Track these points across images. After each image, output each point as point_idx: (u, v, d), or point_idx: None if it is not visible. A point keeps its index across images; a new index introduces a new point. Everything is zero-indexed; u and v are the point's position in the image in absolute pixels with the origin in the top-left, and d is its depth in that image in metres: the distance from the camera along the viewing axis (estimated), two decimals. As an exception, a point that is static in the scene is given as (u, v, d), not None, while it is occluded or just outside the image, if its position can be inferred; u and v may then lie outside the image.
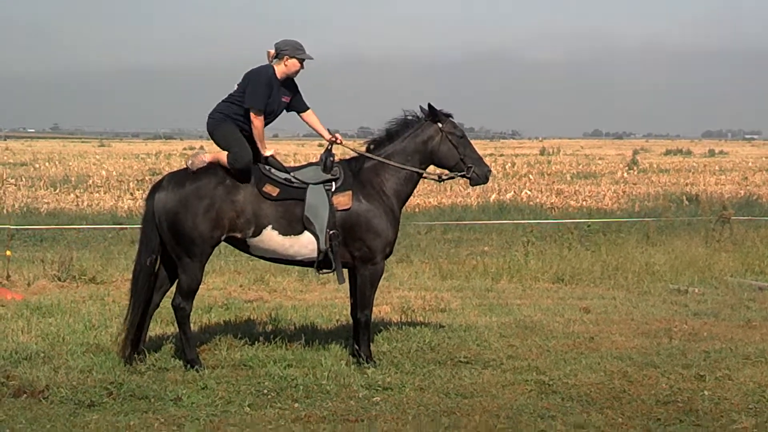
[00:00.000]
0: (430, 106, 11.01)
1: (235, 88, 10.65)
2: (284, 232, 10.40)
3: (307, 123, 11.16)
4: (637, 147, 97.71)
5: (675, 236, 22.18)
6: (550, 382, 9.75)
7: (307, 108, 11.04)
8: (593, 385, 9.68)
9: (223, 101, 10.70)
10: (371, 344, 10.85)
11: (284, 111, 10.88)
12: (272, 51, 10.69)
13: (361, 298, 10.73)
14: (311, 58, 10.78)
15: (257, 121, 10.51)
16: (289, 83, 10.80)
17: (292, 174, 10.58)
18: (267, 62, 10.73)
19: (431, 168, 11.17)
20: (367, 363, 10.43)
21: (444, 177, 11.46)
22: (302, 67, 10.76)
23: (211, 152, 10.70)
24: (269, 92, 10.50)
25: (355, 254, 10.59)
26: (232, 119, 10.56)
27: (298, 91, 10.92)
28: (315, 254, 10.49)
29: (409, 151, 10.95)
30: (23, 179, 42.91)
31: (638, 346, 11.47)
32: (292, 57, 10.65)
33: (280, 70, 10.65)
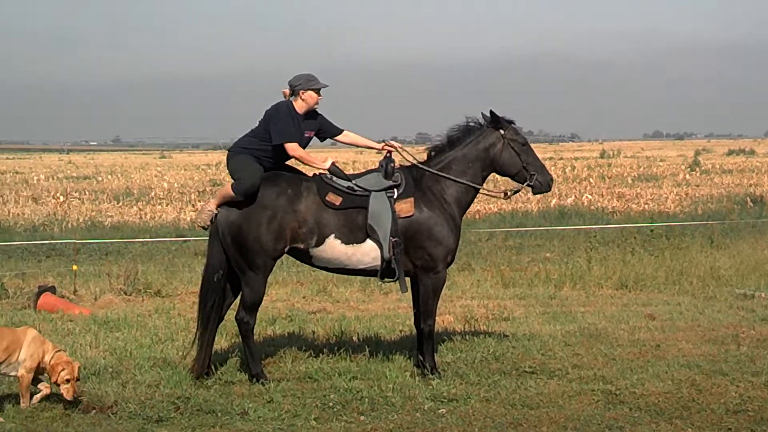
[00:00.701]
0: (492, 112, 10.96)
1: (257, 125, 10.67)
2: (346, 241, 10.39)
3: (349, 144, 11.16)
4: (698, 147, 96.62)
5: (740, 239, 21.93)
6: (617, 391, 9.65)
7: (341, 130, 11.03)
8: (661, 394, 9.57)
9: (245, 136, 10.69)
10: (435, 355, 10.83)
11: (312, 141, 10.85)
12: (287, 90, 10.70)
13: (424, 307, 10.71)
14: (326, 86, 10.75)
15: (298, 151, 10.49)
16: (311, 115, 10.78)
17: (354, 182, 10.59)
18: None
19: (490, 184, 11.09)
20: (432, 374, 10.41)
21: (509, 193, 11.44)
22: (320, 96, 10.72)
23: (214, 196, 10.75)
24: (294, 123, 10.50)
25: (417, 263, 10.56)
26: (251, 152, 10.53)
27: (325, 119, 10.92)
28: (377, 263, 10.46)
29: (470, 158, 10.90)
30: (87, 193, 43.48)
31: (706, 354, 11.33)
32: (307, 90, 10.62)
33: (299, 105, 10.63)
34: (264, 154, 10.50)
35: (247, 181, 10.29)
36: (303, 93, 10.61)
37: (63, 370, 8.95)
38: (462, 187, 10.85)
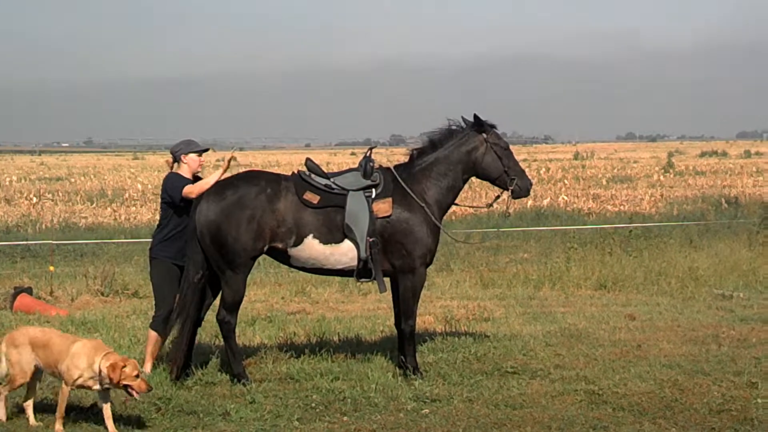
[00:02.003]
0: (475, 116, 10.94)
1: (160, 214, 10.77)
2: (325, 241, 10.34)
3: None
4: (671, 149, 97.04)
5: (717, 240, 21.99)
6: (600, 391, 9.64)
7: None
8: (644, 394, 9.57)
9: (155, 234, 10.79)
10: (417, 355, 10.79)
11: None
12: (169, 158, 10.84)
13: (404, 307, 10.67)
14: (206, 150, 10.93)
15: (194, 190, 10.44)
16: (197, 178, 10.84)
17: (332, 180, 10.55)
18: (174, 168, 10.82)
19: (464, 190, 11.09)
20: (414, 374, 10.37)
21: (491, 203, 11.51)
22: (201, 158, 10.83)
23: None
24: (183, 180, 10.55)
25: (395, 263, 10.51)
26: (165, 248, 10.57)
27: None
28: (355, 263, 10.43)
29: (452, 160, 10.87)
30: (60, 194, 43.18)
31: (687, 354, 11.35)
32: (188, 153, 10.77)
33: (184, 170, 10.74)
34: (177, 227, 10.54)
35: (163, 307, 10.49)
36: (184, 157, 10.77)
37: (125, 366, 8.53)
38: (442, 189, 10.82)
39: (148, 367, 10.56)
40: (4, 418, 8.85)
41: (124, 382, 8.46)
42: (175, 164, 10.82)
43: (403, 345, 10.73)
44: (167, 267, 10.46)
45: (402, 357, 10.69)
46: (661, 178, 49.07)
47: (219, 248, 10.24)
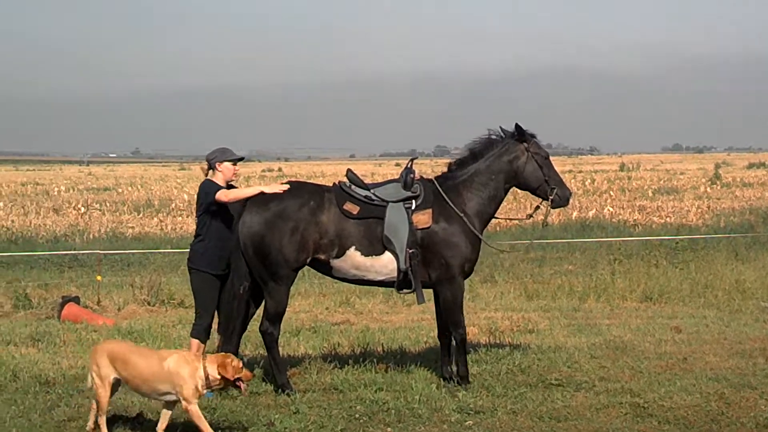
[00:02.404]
0: (517, 125, 10.94)
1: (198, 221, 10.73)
2: (366, 253, 10.38)
3: None
4: (718, 161, 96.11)
5: (765, 252, 21.79)
6: (645, 404, 9.59)
7: None
8: (690, 407, 9.50)
9: (193, 244, 10.71)
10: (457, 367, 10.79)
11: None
12: (204, 165, 10.81)
13: (450, 318, 10.67)
14: (241, 158, 10.91)
15: (229, 195, 10.45)
16: (231, 187, 10.84)
17: (372, 191, 10.59)
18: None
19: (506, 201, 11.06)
20: (462, 384, 10.36)
21: (531, 213, 11.49)
22: (236, 167, 10.77)
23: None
24: (218, 187, 10.51)
25: (433, 273, 10.53)
26: (207, 256, 10.51)
27: None
28: (395, 274, 10.45)
29: (493, 170, 10.88)
30: (107, 204, 43.55)
31: (733, 367, 11.24)
32: (222, 162, 10.68)
33: (218, 178, 10.69)
34: (219, 234, 10.49)
35: (204, 316, 10.46)
36: (219, 165, 10.69)
37: (230, 361, 8.58)
38: (484, 199, 10.82)
39: None
40: (90, 428, 8.76)
41: (236, 376, 8.53)
42: (210, 171, 10.85)
43: (446, 356, 10.77)
44: (207, 277, 10.52)
45: (447, 368, 10.71)
46: (708, 189, 48.57)
47: (262, 260, 10.30)
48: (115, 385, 8.76)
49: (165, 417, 8.68)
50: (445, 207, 10.64)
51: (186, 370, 8.49)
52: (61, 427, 9.01)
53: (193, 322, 10.69)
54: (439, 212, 10.59)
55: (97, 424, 8.69)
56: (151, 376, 8.53)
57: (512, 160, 10.93)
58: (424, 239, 10.46)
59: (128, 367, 8.60)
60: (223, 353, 8.89)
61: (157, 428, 8.64)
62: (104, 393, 8.62)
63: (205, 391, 8.62)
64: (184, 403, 8.49)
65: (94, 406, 8.75)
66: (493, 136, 11.06)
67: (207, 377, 8.51)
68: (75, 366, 11.50)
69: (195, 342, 10.57)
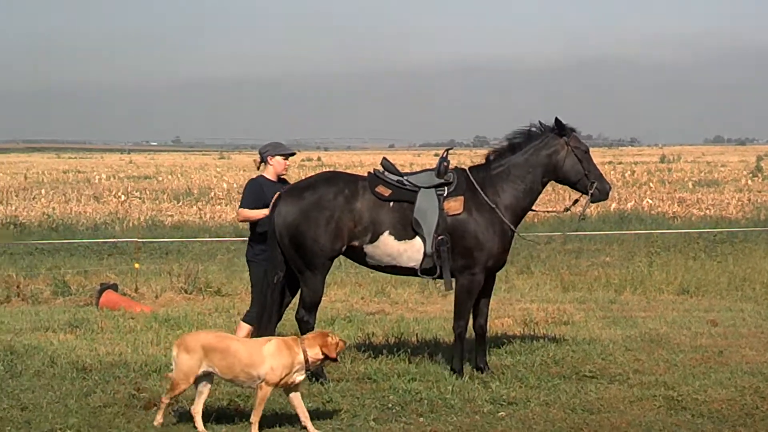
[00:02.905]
0: (557, 119, 10.90)
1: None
2: (399, 237, 10.45)
3: None
4: (760, 153, 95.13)
5: (805, 246, 21.56)
6: (679, 397, 9.54)
7: None
8: (724, 401, 9.45)
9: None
10: (490, 357, 10.87)
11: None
12: (257, 158, 11.13)
13: (457, 308, 10.70)
14: (293, 153, 11.25)
15: (243, 214, 10.97)
16: (283, 181, 11.15)
17: (405, 178, 10.65)
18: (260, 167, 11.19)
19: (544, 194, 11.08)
20: (456, 375, 10.39)
21: (568, 206, 11.49)
22: (287, 161, 11.09)
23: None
24: (254, 196, 10.87)
25: (457, 262, 10.54)
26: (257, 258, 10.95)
27: None
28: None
29: (532, 163, 10.84)
30: (147, 192, 43.89)
31: (770, 361, 11.16)
32: (274, 155, 11.02)
33: (269, 171, 11.03)
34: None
35: (257, 305, 10.80)
36: (271, 159, 11.02)
37: (331, 339, 8.65)
38: (519, 192, 10.80)
39: None
40: (159, 422, 8.65)
41: (337, 351, 8.64)
42: (262, 165, 11.12)
43: (479, 347, 10.81)
44: (263, 269, 10.67)
45: (477, 359, 10.75)
46: (749, 182, 48.13)
47: (298, 249, 10.37)
48: (200, 378, 8.62)
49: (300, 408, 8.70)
50: (478, 197, 10.64)
51: (286, 356, 8.51)
52: (97, 413, 9.09)
53: (248, 309, 11.10)
54: (471, 201, 10.59)
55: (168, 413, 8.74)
56: (252, 364, 8.51)
57: (551, 154, 10.88)
58: (455, 227, 10.48)
59: (228, 356, 8.53)
60: (320, 332, 8.93)
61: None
62: (185, 385, 8.56)
63: (300, 377, 8.63)
64: (261, 383, 8.48)
65: (165, 399, 8.67)
66: (533, 129, 11.02)
67: (306, 360, 8.56)
68: (112, 353, 11.62)
69: (245, 326, 10.81)
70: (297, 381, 8.61)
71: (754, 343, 12.22)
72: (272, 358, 8.49)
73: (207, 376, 8.65)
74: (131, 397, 9.58)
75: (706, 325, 13.47)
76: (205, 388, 8.72)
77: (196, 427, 8.61)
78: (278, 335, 9.77)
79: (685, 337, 12.61)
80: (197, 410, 8.67)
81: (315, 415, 8.95)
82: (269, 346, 8.58)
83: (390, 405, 9.37)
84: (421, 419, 8.99)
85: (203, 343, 8.58)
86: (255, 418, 8.50)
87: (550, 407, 9.33)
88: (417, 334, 12.72)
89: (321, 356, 8.60)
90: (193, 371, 8.54)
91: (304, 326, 10.49)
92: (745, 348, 11.89)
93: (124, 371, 10.62)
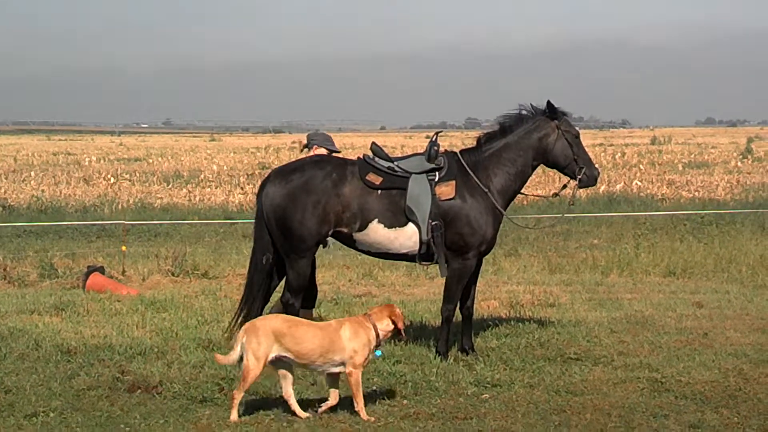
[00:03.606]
0: (548, 103, 10.88)
1: None
2: (389, 225, 10.41)
3: None
4: (751, 135, 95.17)
5: (791, 227, 21.61)
6: (663, 379, 9.59)
7: None
8: (707, 383, 9.49)
9: None
10: (476, 339, 10.86)
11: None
12: (303, 141, 11.33)
13: (447, 292, 10.70)
14: (338, 151, 11.50)
15: None
16: None
17: (396, 163, 10.62)
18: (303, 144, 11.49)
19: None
20: (441, 358, 10.40)
21: (557, 192, 11.51)
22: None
23: None
24: None
25: (450, 247, 10.53)
26: None
27: None
28: (418, 246, 10.48)
29: (522, 146, 10.82)
30: (137, 174, 43.76)
31: (754, 343, 11.21)
32: (320, 147, 11.33)
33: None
34: None
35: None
36: (315, 148, 11.32)
37: (396, 310, 8.76)
38: (510, 176, 10.79)
39: None
40: (234, 419, 8.43)
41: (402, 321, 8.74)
42: (306, 149, 11.40)
43: (467, 329, 10.82)
44: None
45: (462, 340, 10.77)
46: (739, 164, 48.17)
47: (284, 232, 10.37)
48: (272, 363, 8.49)
49: (334, 396, 8.65)
50: (470, 180, 10.62)
51: (363, 335, 8.54)
52: (80, 396, 9.10)
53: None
54: (463, 186, 10.58)
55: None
56: (330, 347, 8.46)
57: (542, 138, 10.86)
58: (447, 212, 10.46)
59: (304, 341, 8.43)
60: (385, 305, 8.97)
61: (320, 409, 8.59)
62: (257, 371, 8.39)
63: (375, 352, 8.67)
64: (349, 368, 8.47)
65: (238, 394, 8.45)
66: (524, 112, 10.99)
67: (377, 335, 8.59)
68: (97, 335, 11.60)
69: (308, 312, 10.97)
70: (341, 370, 8.59)
71: (738, 325, 12.26)
72: (353, 341, 8.51)
73: (281, 362, 8.49)
74: (115, 380, 9.59)
75: (691, 307, 13.51)
76: (287, 373, 8.57)
77: (293, 412, 8.52)
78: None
79: (671, 319, 12.64)
80: (288, 392, 8.57)
81: (299, 399, 8.96)
82: (346, 329, 8.56)
83: (374, 388, 9.38)
84: (405, 401, 9.01)
85: (274, 328, 8.44)
86: (360, 405, 8.50)
87: (534, 389, 9.37)
88: (403, 317, 12.70)
89: (391, 328, 8.64)
90: (264, 356, 8.37)
91: (291, 309, 10.47)
92: (729, 330, 11.93)
93: (108, 354, 10.62)
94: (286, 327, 8.48)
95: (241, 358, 8.42)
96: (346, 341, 8.49)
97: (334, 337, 8.49)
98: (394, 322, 8.63)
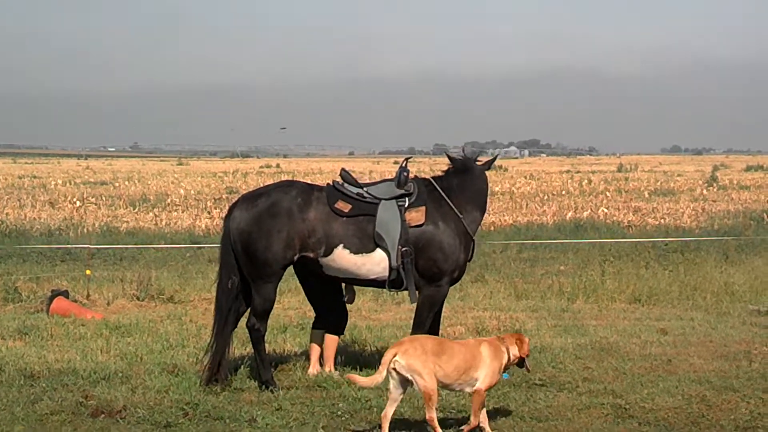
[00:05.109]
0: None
1: None
2: (356, 251, 10.40)
3: None
4: (716, 163, 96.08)
5: (755, 255, 21.80)
6: (627, 405, 9.64)
7: None
8: (671, 409, 9.55)
9: None
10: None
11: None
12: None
13: (417, 318, 10.69)
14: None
15: None
16: None
17: (365, 189, 10.62)
18: None
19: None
20: None
21: None
22: None
23: None
24: None
25: (423, 273, 10.54)
26: None
27: None
28: (387, 272, 10.47)
29: (483, 180, 11.08)
30: (103, 198, 43.57)
31: (717, 370, 11.28)
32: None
33: None
34: None
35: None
36: None
37: (524, 338, 8.96)
38: (480, 203, 10.87)
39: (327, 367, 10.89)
40: None
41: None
42: None
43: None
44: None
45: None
46: (705, 191, 48.57)
47: (250, 256, 10.36)
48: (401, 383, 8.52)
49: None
50: (443, 207, 10.66)
51: (501, 356, 8.69)
52: (44, 421, 9.05)
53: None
54: (436, 212, 10.60)
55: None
56: (473, 364, 8.61)
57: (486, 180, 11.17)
58: (419, 238, 10.47)
59: (453, 360, 8.55)
60: (518, 334, 9.10)
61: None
62: (434, 386, 8.43)
63: (503, 374, 8.94)
64: (479, 386, 8.59)
65: (432, 414, 8.45)
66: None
67: (508, 359, 8.76)
68: (61, 360, 11.54)
69: (332, 338, 11.03)
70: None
71: (702, 351, 12.34)
72: (491, 360, 8.65)
73: (405, 382, 8.52)
74: (79, 404, 9.53)
75: (656, 333, 13.58)
76: (399, 395, 8.63)
77: None
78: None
79: (635, 345, 12.70)
80: (388, 414, 8.58)
81: (263, 423, 8.94)
82: (485, 348, 8.71)
83: (339, 413, 9.39)
84: (370, 427, 8.99)
85: (430, 347, 8.54)
86: (485, 423, 8.67)
87: (498, 415, 9.37)
88: (369, 342, 12.71)
89: (519, 356, 8.80)
90: (433, 375, 8.45)
91: (255, 334, 10.46)
92: (693, 356, 12.00)
93: (72, 378, 10.55)
94: (438, 345, 8.62)
95: (386, 380, 8.51)
96: (485, 359, 8.64)
97: (476, 354, 8.64)
98: (524, 353, 8.83)
